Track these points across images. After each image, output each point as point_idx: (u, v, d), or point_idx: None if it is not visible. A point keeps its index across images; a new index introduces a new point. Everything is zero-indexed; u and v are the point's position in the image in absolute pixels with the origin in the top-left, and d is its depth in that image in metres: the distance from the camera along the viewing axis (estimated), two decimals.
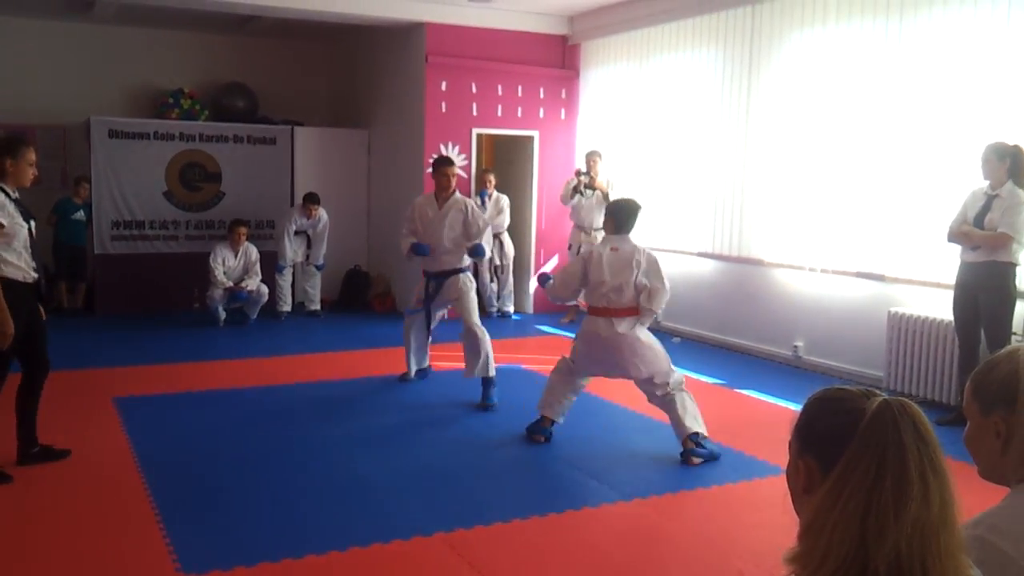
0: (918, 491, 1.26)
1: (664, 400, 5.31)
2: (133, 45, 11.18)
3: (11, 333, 4.45)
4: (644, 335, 5.36)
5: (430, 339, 7.11)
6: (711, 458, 5.22)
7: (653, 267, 5.32)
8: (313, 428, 5.85)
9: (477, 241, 6.57)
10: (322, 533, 4.11)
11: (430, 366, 7.27)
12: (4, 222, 4.48)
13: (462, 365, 6.64)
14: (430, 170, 7.14)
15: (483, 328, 6.56)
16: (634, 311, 5.32)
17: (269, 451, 5.34)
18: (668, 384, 5.29)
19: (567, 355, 5.70)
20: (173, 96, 10.95)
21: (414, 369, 7.10)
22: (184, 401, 6.44)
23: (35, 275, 4.70)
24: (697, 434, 5.23)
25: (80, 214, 9.93)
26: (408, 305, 7.15)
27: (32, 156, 4.70)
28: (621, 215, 5.49)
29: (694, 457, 5.18)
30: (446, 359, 7.46)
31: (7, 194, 4.58)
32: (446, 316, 7.17)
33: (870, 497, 1.26)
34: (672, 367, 5.39)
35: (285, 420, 6.03)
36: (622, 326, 5.29)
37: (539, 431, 5.60)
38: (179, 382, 6.96)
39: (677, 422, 5.26)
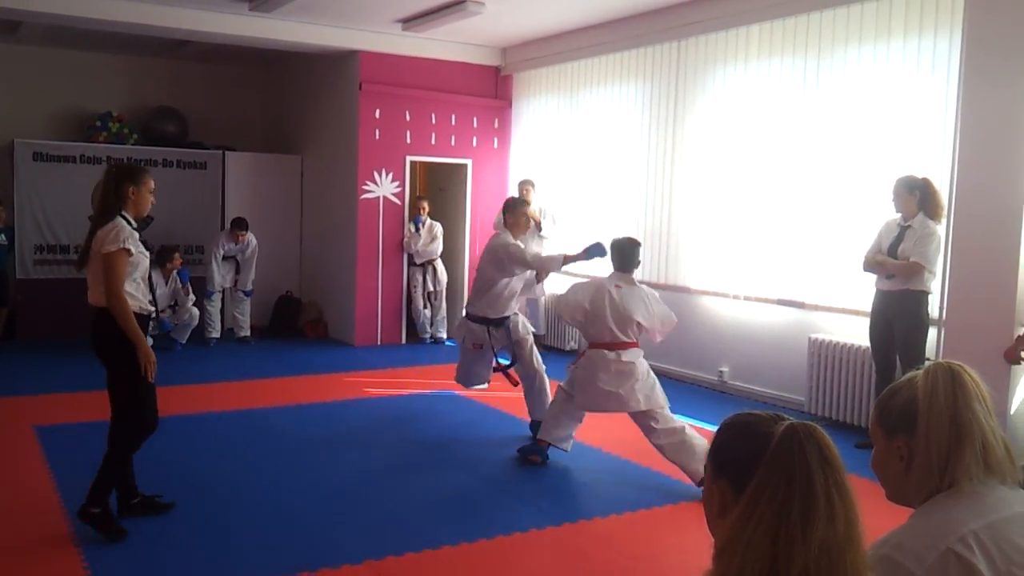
0: (824, 512, 1.31)
1: (670, 444, 5.28)
2: (60, 67, 10.97)
3: (155, 361, 4.39)
4: (645, 367, 5.44)
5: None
6: None
7: (660, 308, 5.47)
8: (240, 456, 5.78)
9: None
10: (249, 562, 4.07)
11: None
12: (132, 249, 4.27)
13: (393, 392, 6.59)
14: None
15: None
16: (636, 344, 5.43)
17: (194, 480, 5.25)
18: (667, 420, 5.34)
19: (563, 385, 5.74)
20: (101, 119, 10.76)
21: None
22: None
23: (151, 308, 4.54)
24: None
25: (1, 238, 9.67)
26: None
27: (152, 184, 4.49)
28: (625, 253, 5.54)
29: None
30: (381, 385, 7.44)
31: (129, 223, 4.37)
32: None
33: (779, 519, 1.31)
34: (666, 403, 5.43)
35: (212, 448, 5.94)
36: (627, 356, 5.37)
37: (535, 452, 5.72)
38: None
39: (690, 470, 5.21)
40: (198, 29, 8.99)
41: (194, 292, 9.63)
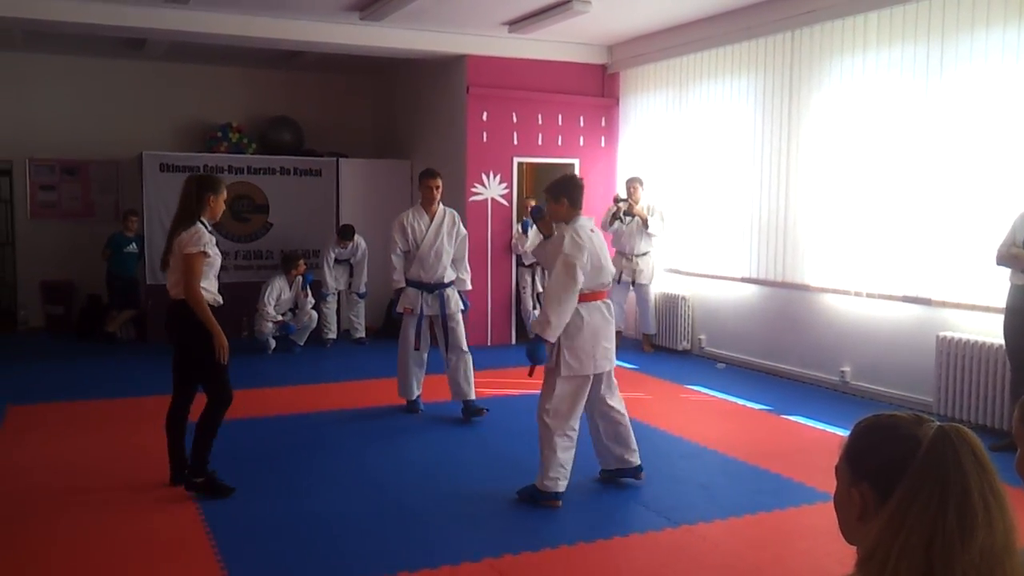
0: (983, 518, 1.26)
1: (619, 412, 5.17)
2: (183, 81, 11.49)
3: (227, 346, 4.97)
4: None
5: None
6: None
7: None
8: (358, 455, 5.91)
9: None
10: (371, 559, 4.15)
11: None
12: (209, 252, 4.82)
13: (504, 392, 6.65)
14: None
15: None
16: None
17: (316, 478, 5.41)
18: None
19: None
20: (222, 130, 11.21)
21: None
22: (235, 428, 6.49)
23: (220, 300, 5.05)
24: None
25: (132, 247, 10.18)
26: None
27: (226, 193, 5.05)
28: (581, 190, 5.05)
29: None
30: (492, 385, 7.49)
31: (206, 227, 4.91)
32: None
33: (935, 526, 1.26)
34: None
35: (331, 447, 6.10)
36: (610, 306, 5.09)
37: None
38: (229, 409, 7.04)
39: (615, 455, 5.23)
40: (312, 40, 9.27)
41: (312, 295, 9.95)
